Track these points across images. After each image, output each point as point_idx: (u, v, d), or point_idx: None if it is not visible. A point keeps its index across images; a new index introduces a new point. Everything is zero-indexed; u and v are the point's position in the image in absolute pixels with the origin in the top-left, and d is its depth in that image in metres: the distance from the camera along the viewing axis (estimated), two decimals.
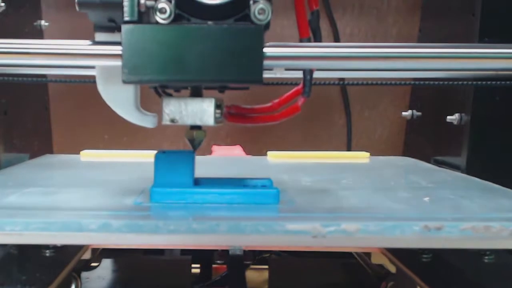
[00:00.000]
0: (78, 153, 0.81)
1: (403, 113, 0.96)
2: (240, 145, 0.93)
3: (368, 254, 0.59)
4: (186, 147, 0.49)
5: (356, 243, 0.41)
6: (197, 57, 0.40)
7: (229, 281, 0.58)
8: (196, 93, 0.46)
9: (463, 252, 0.50)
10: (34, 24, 0.86)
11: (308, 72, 0.48)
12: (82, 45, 0.42)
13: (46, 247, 0.49)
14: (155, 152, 0.48)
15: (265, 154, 0.84)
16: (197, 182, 0.48)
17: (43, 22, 0.88)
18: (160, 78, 0.41)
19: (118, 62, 0.41)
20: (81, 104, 1.00)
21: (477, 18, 0.73)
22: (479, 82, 0.69)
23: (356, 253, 0.63)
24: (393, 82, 0.78)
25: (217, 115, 0.45)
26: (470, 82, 0.70)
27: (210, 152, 0.90)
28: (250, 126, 0.52)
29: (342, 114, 1.08)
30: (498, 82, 0.68)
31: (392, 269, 0.54)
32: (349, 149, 1.08)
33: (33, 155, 0.83)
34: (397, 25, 1.04)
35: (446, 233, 0.38)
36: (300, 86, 0.49)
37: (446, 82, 0.73)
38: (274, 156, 0.82)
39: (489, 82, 0.68)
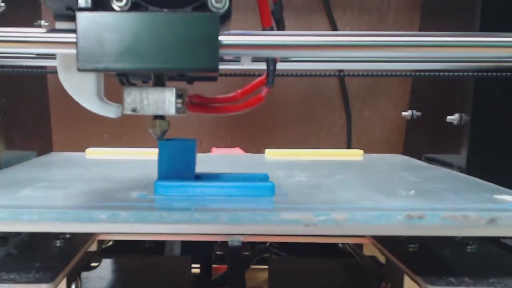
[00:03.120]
0: (80, 152, 0.83)
1: (403, 113, 0.96)
2: (239, 145, 0.95)
3: (361, 247, 0.62)
4: None
5: (345, 231, 0.44)
6: (153, 45, 0.39)
7: (229, 278, 0.60)
8: (159, 83, 0.46)
9: (447, 242, 0.53)
10: (34, 24, 0.85)
11: (271, 62, 0.48)
12: (38, 32, 0.42)
13: (56, 237, 0.52)
14: (157, 150, 0.50)
15: (263, 153, 0.86)
16: (198, 176, 0.51)
17: (43, 22, 0.87)
18: (116, 67, 0.40)
19: (74, 51, 0.40)
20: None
21: (477, 18, 0.74)
22: (480, 74, 0.69)
23: (353, 249, 0.64)
24: (394, 74, 0.78)
25: (179, 105, 0.46)
26: (471, 74, 0.70)
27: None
28: (212, 115, 0.52)
29: (342, 114, 1.09)
30: (499, 74, 0.68)
31: (382, 259, 0.57)
32: (349, 148, 1.08)
33: (36, 154, 0.84)
34: (397, 25, 1.04)
35: (427, 221, 0.41)
36: (264, 76, 0.49)
37: (446, 74, 0.72)
38: (271, 154, 0.84)
39: (489, 74, 0.68)
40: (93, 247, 0.55)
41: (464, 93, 0.77)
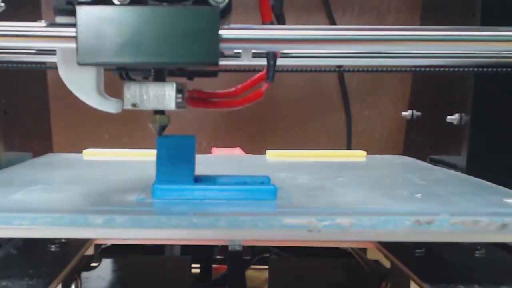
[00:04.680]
0: (79, 153, 0.82)
1: (403, 113, 0.96)
2: (240, 146, 0.94)
3: (364, 250, 0.61)
4: None
5: (350, 237, 0.43)
6: (154, 39, 0.39)
7: (229, 279, 0.59)
8: (159, 78, 0.46)
9: (455, 247, 0.51)
10: None
11: (271, 57, 0.47)
12: (38, 26, 0.42)
13: (51, 242, 0.50)
14: (155, 151, 0.49)
15: (264, 154, 0.84)
16: (197, 179, 0.50)
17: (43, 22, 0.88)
18: (116, 61, 0.40)
19: (74, 45, 0.40)
20: (81, 103, 1.00)
21: (477, 18, 0.74)
22: (480, 69, 0.69)
23: (355, 252, 0.63)
24: (394, 69, 0.76)
25: (179, 100, 0.45)
26: (471, 69, 0.70)
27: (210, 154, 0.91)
28: (212, 110, 0.51)
29: (342, 114, 1.08)
30: (499, 69, 0.67)
31: (387, 264, 0.55)
32: (349, 148, 1.08)
33: (34, 155, 0.83)
34: (397, 25, 1.04)
35: (436, 227, 0.40)
36: (264, 71, 0.49)
37: (446, 69, 0.72)
38: (272, 155, 0.83)
39: (489, 70, 0.68)
40: (90, 251, 0.54)
41: (464, 93, 0.77)
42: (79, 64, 0.40)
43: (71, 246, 0.51)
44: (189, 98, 0.49)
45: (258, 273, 0.77)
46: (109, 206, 0.45)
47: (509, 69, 0.67)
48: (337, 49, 0.47)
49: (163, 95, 0.45)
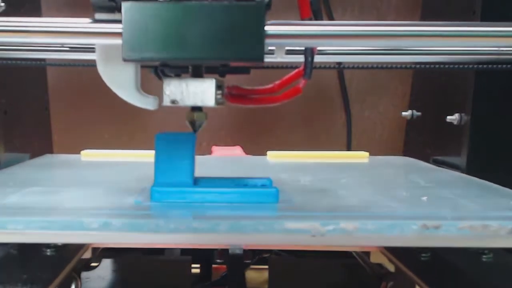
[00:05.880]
0: (79, 153, 0.81)
1: (403, 113, 0.95)
2: (240, 145, 0.93)
3: (367, 253, 0.59)
4: None
5: (355, 242, 0.41)
6: (198, 34, 0.39)
7: (229, 281, 0.58)
8: (197, 74, 0.46)
9: (462, 251, 0.50)
10: None
11: (309, 53, 0.48)
12: (82, 23, 0.42)
13: (47, 246, 0.49)
14: (153, 152, 0.48)
15: (265, 154, 0.84)
16: (197, 181, 0.49)
17: None
18: (161, 56, 0.40)
19: (118, 41, 0.40)
20: (81, 104, 1.00)
21: (477, 18, 0.73)
22: (480, 66, 0.68)
23: (356, 252, 0.63)
24: (394, 66, 0.77)
25: (218, 96, 0.45)
26: (471, 66, 0.69)
27: (210, 153, 0.90)
28: (251, 107, 0.52)
29: (342, 114, 1.08)
30: (499, 66, 0.67)
31: (391, 268, 0.54)
32: (349, 149, 1.08)
33: (33, 155, 0.83)
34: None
35: (444, 232, 0.39)
36: (301, 68, 0.49)
37: (447, 66, 0.71)
38: (273, 156, 0.82)
39: (490, 66, 0.67)
40: (88, 254, 0.53)
41: (464, 93, 0.77)
42: (124, 60, 0.40)
43: (68, 249, 0.50)
44: (228, 94, 0.49)
45: (258, 273, 0.76)
46: (106, 209, 0.44)
47: (509, 66, 0.67)
48: (380, 44, 0.47)
49: (203, 92, 0.45)
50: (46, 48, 0.65)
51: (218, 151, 0.90)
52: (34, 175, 0.63)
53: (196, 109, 0.47)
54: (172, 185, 0.47)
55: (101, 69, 0.45)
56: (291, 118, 1.08)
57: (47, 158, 0.81)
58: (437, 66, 0.70)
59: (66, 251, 0.49)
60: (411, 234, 0.39)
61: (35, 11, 0.88)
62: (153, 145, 0.48)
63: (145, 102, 0.46)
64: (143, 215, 0.41)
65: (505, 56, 0.64)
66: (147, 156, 0.73)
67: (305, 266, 0.67)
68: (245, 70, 0.52)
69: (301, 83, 0.49)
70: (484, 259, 0.49)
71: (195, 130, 0.48)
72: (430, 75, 0.91)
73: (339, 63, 0.89)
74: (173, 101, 0.45)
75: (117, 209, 0.44)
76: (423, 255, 0.49)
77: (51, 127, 0.96)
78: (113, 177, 0.62)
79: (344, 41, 0.44)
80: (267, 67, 0.65)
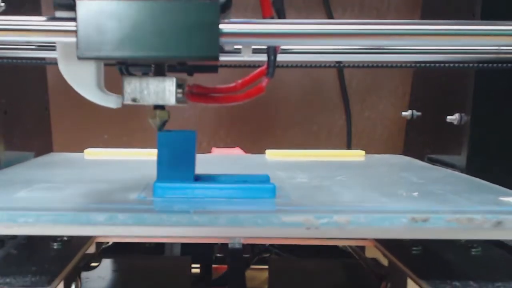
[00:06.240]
0: (80, 152, 0.82)
1: (403, 113, 0.96)
2: (239, 146, 0.94)
3: (362, 249, 0.61)
4: None
5: (348, 234, 0.43)
6: (154, 33, 0.39)
7: (229, 279, 0.59)
8: (159, 73, 0.46)
9: (451, 245, 0.52)
10: None
11: (272, 52, 0.47)
12: (38, 21, 0.42)
13: (54, 239, 0.51)
14: (155, 150, 0.49)
15: (264, 154, 0.85)
16: (198, 178, 0.50)
17: None
18: (116, 54, 0.40)
19: (74, 39, 0.40)
20: (81, 104, 1.00)
21: (477, 18, 0.74)
22: (481, 65, 0.69)
23: (354, 251, 0.64)
24: (394, 65, 0.77)
25: (179, 95, 0.45)
26: (471, 65, 0.70)
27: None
28: (212, 105, 0.51)
29: (342, 114, 1.09)
30: (500, 65, 0.67)
31: (385, 262, 0.56)
32: (349, 148, 1.08)
33: (34, 155, 0.84)
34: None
35: (432, 224, 0.41)
36: (264, 66, 0.49)
37: (447, 65, 0.71)
38: (272, 155, 0.84)
39: (490, 65, 0.67)
40: (92, 249, 0.55)
41: (464, 93, 0.77)
42: (79, 58, 0.40)
43: (73, 244, 0.52)
44: (189, 93, 0.49)
45: (258, 273, 0.77)
46: (111, 203, 0.46)
47: (509, 65, 0.67)
48: (338, 43, 0.46)
49: (163, 90, 0.45)
50: (47, 47, 0.64)
51: (218, 153, 0.91)
52: (40, 173, 0.64)
53: (159, 107, 0.47)
54: (174, 181, 0.48)
55: (62, 67, 0.45)
56: (291, 118, 1.09)
57: (51, 156, 0.83)
58: (437, 65, 0.70)
59: (71, 245, 0.51)
60: (400, 227, 0.41)
61: (35, 12, 0.88)
62: (152, 145, 0.49)
63: (107, 101, 0.46)
64: (146, 209, 0.43)
65: (505, 55, 0.63)
66: (149, 154, 0.75)
67: (305, 266, 0.67)
68: (213, 69, 0.52)
69: (264, 82, 0.48)
70: (473, 253, 0.51)
71: (158, 129, 0.48)
72: (430, 75, 0.92)
73: (339, 62, 0.90)
74: (134, 100, 0.45)
75: (122, 204, 0.46)
76: (414, 248, 0.51)
77: (51, 127, 0.96)
78: (117, 174, 0.63)
79: (302, 40, 0.44)
80: (242, 66, 0.64)
